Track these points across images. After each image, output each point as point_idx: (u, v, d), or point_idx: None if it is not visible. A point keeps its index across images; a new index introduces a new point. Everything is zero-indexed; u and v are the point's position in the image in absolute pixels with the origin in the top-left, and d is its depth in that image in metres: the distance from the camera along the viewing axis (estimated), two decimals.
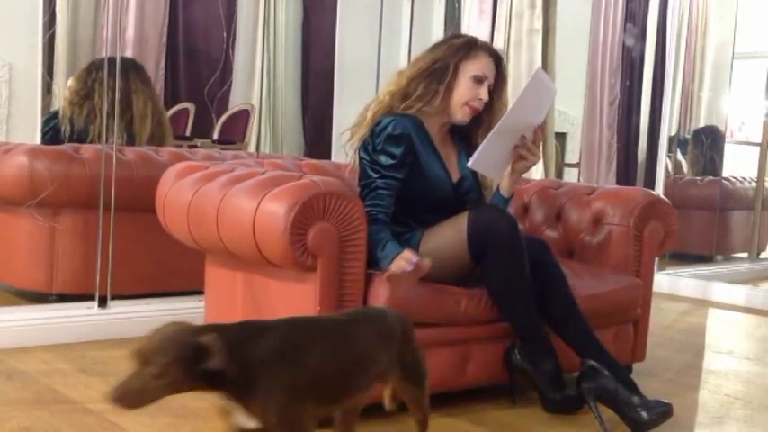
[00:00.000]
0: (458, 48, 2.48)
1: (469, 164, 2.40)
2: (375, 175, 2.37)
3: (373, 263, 2.24)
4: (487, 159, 2.37)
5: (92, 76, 3.81)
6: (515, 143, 2.39)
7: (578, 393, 2.32)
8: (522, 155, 2.42)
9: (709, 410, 2.63)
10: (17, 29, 4.54)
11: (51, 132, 3.86)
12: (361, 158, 2.43)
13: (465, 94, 2.46)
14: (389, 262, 2.19)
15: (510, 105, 2.38)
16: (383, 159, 2.37)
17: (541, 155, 2.52)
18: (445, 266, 2.33)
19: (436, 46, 2.54)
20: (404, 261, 2.16)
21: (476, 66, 2.47)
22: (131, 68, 3.93)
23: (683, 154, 5.84)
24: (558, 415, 2.40)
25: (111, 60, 3.62)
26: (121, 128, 3.71)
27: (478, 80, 2.47)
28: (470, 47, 2.49)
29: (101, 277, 3.12)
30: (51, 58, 4.51)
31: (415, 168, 2.41)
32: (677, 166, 5.71)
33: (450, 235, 2.34)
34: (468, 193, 2.55)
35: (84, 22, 4.78)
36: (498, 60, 2.53)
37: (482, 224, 2.31)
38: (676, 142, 5.65)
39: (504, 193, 2.50)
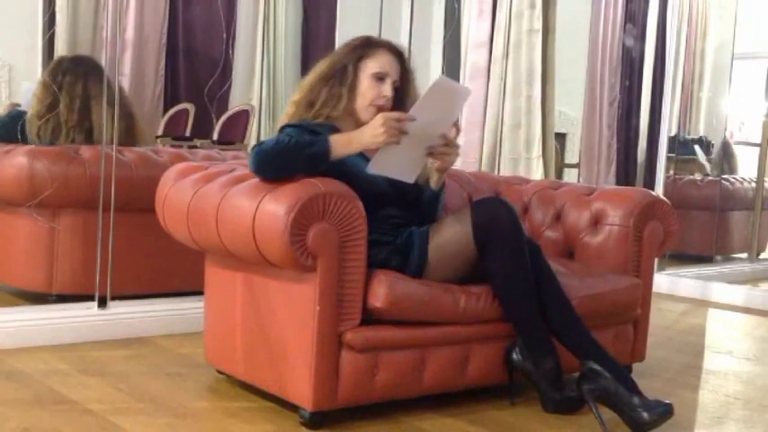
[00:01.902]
0: (354, 48, 2.47)
1: (368, 169, 2.26)
2: (290, 130, 2.31)
3: (308, 160, 2.18)
4: (390, 163, 2.27)
5: (57, 81, 3.50)
6: (425, 150, 2.31)
7: (579, 394, 2.32)
8: (439, 157, 2.37)
9: (709, 411, 2.63)
10: (17, 30, 4.55)
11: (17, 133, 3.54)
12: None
13: (368, 93, 2.43)
14: (326, 142, 2.19)
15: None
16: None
17: (459, 151, 2.42)
18: (452, 262, 2.35)
19: (335, 51, 2.53)
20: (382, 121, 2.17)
21: (375, 63, 2.44)
22: (90, 71, 3.56)
23: (707, 155, 5.87)
24: (558, 415, 2.40)
25: (74, 60, 3.52)
26: (81, 140, 3.45)
27: (380, 78, 2.44)
28: (367, 45, 2.47)
29: (100, 277, 3.12)
30: (51, 58, 4.52)
31: (348, 174, 2.29)
32: (698, 166, 5.75)
33: (455, 229, 2.35)
34: (406, 185, 2.44)
35: (84, 23, 4.78)
36: (400, 56, 2.50)
37: (486, 213, 2.33)
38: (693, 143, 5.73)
39: (434, 187, 2.48)
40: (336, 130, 2.35)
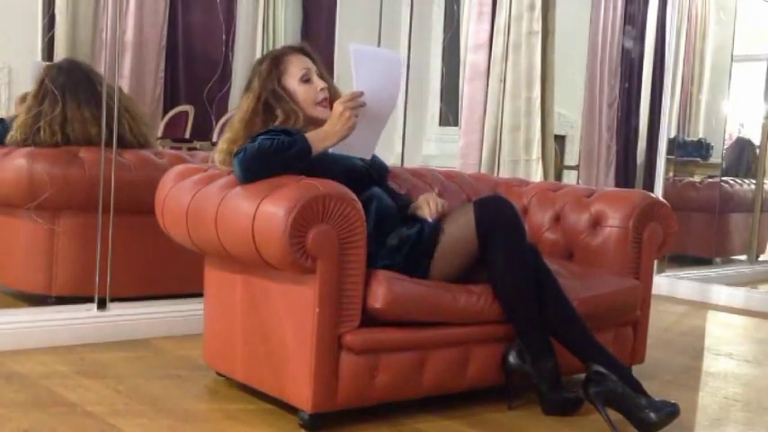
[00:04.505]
0: (268, 73, 2.51)
1: (335, 149, 2.35)
2: (265, 135, 2.32)
3: (292, 156, 2.23)
4: (354, 144, 2.35)
5: (42, 107, 3.30)
6: (378, 123, 2.38)
7: (586, 398, 2.33)
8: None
9: (709, 413, 2.63)
10: (16, 31, 4.54)
11: None
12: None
13: (307, 96, 2.50)
14: (305, 140, 2.24)
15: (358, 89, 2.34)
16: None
17: None
18: (454, 257, 2.37)
19: (249, 84, 2.54)
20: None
21: (294, 70, 2.51)
22: (67, 88, 3.32)
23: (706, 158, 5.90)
24: (558, 417, 2.40)
25: (53, 76, 3.34)
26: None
27: (305, 79, 2.51)
28: (276, 63, 2.52)
29: (100, 279, 3.12)
30: (51, 60, 4.52)
31: (327, 163, 2.36)
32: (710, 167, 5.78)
33: (458, 224, 2.38)
34: (379, 165, 2.59)
35: (84, 25, 4.78)
36: (302, 50, 2.58)
37: (489, 207, 2.37)
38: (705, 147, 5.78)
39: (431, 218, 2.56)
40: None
